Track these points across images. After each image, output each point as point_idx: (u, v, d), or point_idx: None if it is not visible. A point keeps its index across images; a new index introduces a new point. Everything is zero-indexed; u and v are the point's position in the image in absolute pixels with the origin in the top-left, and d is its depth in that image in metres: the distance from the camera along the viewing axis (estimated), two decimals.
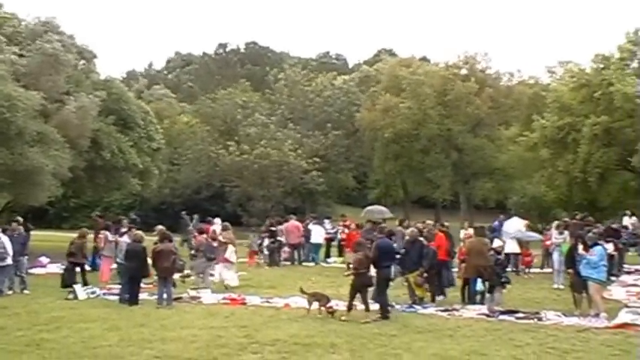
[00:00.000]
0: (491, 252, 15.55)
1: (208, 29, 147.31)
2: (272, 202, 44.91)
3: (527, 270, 21.99)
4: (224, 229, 21.04)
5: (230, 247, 19.66)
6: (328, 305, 13.82)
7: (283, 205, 45.15)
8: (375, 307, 14.05)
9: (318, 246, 26.74)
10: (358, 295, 14.11)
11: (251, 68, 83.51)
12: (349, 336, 11.64)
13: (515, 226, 22.91)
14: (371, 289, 14.26)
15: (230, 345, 10.94)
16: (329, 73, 58.36)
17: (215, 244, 19.47)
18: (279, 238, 26.29)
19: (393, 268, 15.07)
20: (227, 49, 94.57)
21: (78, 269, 18.60)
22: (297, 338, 11.40)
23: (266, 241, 25.39)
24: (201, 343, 11.07)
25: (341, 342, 11.14)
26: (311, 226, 26.95)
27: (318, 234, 26.59)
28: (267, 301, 15.97)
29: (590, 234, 15.22)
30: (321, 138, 47.99)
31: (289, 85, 53.39)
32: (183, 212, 34.18)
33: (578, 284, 14.24)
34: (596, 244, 14.30)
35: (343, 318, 13.48)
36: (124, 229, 19.44)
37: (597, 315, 13.48)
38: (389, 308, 14.56)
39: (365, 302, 13.99)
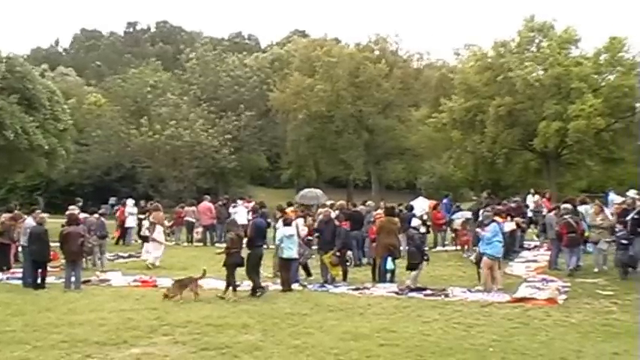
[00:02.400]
0: (415, 230, 15.84)
1: (116, 6, 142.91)
2: (185, 182, 44.42)
3: (466, 248, 21.41)
4: (155, 209, 21.11)
5: (158, 228, 19.93)
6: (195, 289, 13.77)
7: (196, 185, 44.79)
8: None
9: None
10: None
11: (163, 46, 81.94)
12: (261, 316, 11.70)
13: (420, 205, 23.34)
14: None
15: (140, 327, 10.82)
16: (241, 53, 57.94)
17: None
18: (189, 218, 26.30)
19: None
20: (137, 28, 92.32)
21: None
22: (209, 319, 11.39)
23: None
24: (111, 326, 10.91)
25: (253, 322, 11.19)
26: (234, 209, 26.77)
27: (242, 215, 26.38)
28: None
29: (484, 212, 15.95)
30: (233, 118, 47.65)
31: (201, 64, 52.69)
32: (38, 195, 33.35)
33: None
34: (493, 221, 15.06)
35: (232, 298, 13.60)
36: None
37: (489, 290, 14.07)
38: (300, 287, 14.81)
39: (231, 279, 14.08)
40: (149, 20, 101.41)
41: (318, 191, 34.94)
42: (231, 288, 13.88)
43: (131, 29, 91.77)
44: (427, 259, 15.33)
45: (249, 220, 26.00)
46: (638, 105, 34.69)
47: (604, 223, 16.33)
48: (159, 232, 19.91)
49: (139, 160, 45.57)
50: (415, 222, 16.89)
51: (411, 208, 21.16)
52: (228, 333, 10.42)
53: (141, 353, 9.32)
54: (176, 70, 56.27)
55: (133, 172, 46.96)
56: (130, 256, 21.95)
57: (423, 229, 21.07)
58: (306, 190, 36.66)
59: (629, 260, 15.53)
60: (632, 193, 21.46)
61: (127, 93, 49.86)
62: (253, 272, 14.20)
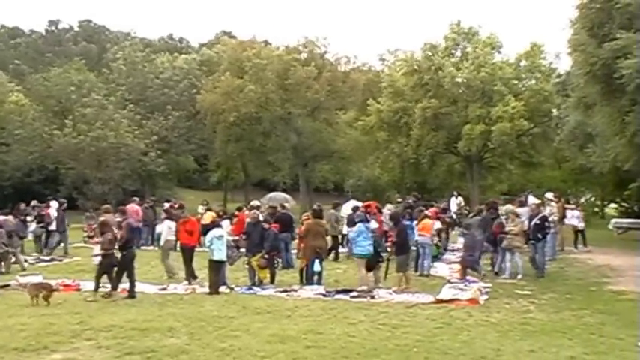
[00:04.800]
0: (372, 233, 16.03)
1: (35, 3, 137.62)
2: (110, 185, 43.54)
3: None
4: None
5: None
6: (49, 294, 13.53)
7: (122, 188, 43.99)
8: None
9: None
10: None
11: (86, 46, 79.83)
12: (188, 319, 11.62)
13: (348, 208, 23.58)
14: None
15: (62, 332, 10.59)
16: (172, 54, 57.21)
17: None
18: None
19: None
20: (59, 27, 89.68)
21: None
22: (134, 323, 11.23)
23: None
24: (31, 332, 10.63)
25: (179, 325, 11.10)
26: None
27: None
28: (104, 286, 15.51)
29: (356, 213, 16.60)
30: (161, 120, 46.99)
31: (128, 65, 51.70)
32: None
33: (400, 263, 15.18)
34: (361, 221, 15.73)
35: (90, 299, 13.68)
36: None
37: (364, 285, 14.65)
38: (227, 289, 14.81)
39: (112, 281, 14.25)
40: (71, 19, 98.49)
41: (287, 195, 36.03)
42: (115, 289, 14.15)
43: (53, 28, 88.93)
44: (382, 261, 15.61)
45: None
46: (554, 110, 36.13)
47: (515, 229, 16.94)
48: None
49: (63, 162, 44.41)
50: (373, 224, 17.04)
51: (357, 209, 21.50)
52: (153, 337, 10.31)
53: (62, 359, 9.13)
54: (103, 70, 54.99)
55: (56, 173, 45.75)
56: (52, 260, 21.43)
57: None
58: (273, 193, 37.66)
59: (472, 263, 16.58)
60: (549, 195, 22.31)
61: (51, 92, 48.44)
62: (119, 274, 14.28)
